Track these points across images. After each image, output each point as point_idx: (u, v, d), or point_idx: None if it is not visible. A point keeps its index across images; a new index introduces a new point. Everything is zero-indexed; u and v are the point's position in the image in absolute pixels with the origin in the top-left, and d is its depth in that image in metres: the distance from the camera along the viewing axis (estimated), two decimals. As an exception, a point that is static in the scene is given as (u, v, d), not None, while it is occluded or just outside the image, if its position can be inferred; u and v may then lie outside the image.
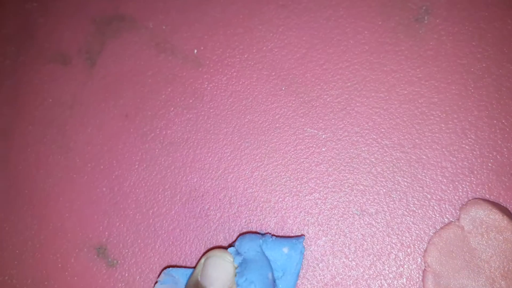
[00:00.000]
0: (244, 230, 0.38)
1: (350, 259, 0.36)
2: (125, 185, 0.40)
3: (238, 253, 0.35)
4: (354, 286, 0.36)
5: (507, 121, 0.36)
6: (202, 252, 0.38)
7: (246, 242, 0.35)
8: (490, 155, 0.36)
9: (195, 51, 0.41)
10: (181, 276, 0.36)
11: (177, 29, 0.42)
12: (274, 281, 0.34)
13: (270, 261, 0.35)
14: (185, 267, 0.37)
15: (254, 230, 0.38)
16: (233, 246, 0.35)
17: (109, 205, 0.40)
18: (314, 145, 0.39)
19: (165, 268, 0.37)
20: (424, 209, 0.36)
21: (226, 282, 0.33)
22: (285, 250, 0.35)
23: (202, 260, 0.34)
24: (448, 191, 0.36)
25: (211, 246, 0.38)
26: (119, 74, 0.42)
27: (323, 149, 0.38)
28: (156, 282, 0.36)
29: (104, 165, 0.41)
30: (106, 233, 0.40)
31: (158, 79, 0.42)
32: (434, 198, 0.36)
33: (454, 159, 0.37)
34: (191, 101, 0.41)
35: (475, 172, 0.36)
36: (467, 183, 0.36)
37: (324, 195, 0.38)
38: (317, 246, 0.37)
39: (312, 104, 0.39)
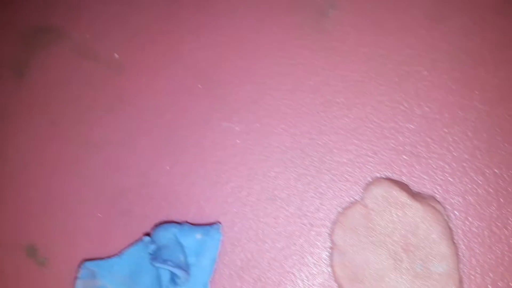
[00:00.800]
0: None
1: (264, 242, 0.38)
2: (53, 187, 0.42)
3: (152, 241, 0.36)
4: (269, 267, 0.38)
5: (407, 103, 0.39)
6: (125, 245, 0.39)
7: (160, 231, 0.37)
8: (392, 136, 0.38)
9: (116, 55, 0.43)
10: (99, 267, 0.38)
11: (100, 37, 0.45)
12: (187, 264, 0.35)
13: (184, 247, 0.37)
14: (101, 258, 0.39)
15: (175, 221, 0.39)
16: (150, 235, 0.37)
17: (38, 206, 0.42)
18: (230, 138, 0.41)
19: (81, 262, 0.38)
20: (332, 191, 0.38)
21: None
22: (198, 236, 0.37)
23: None
24: (354, 172, 0.38)
25: (135, 240, 0.39)
26: (46, 84, 0.44)
27: (238, 141, 0.40)
28: (76, 278, 0.38)
29: (33, 169, 0.43)
30: (35, 233, 0.41)
31: (82, 85, 0.44)
32: (341, 179, 0.38)
33: (358, 142, 0.39)
34: (113, 104, 0.43)
35: (378, 153, 0.38)
36: (371, 164, 0.38)
37: (240, 184, 0.40)
38: (234, 232, 0.39)
39: (227, 99, 0.41)
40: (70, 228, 0.40)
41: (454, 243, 0.34)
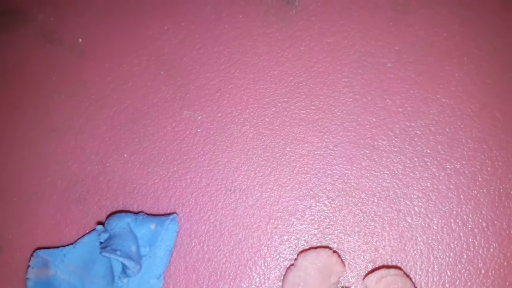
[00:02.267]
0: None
1: (221, 234, 0.37)
2: (9, 173, 0.41)
3: (105, 230, 0.35)
4: (225, 260, 0.37)
5: (370, 96, 0.38)
6: (80, 234, 0.38)
7: (114, 220, 0.36)
8: (353, 128, 0.38)
9: (80, 40, 0.42)
10: (51, 256, 0.37)
11: (64, 20, 0.43)
12: (139, 254, 0.34)
13: (138, 237, 0.36)
14: (54, 247, 0.38)
15: (130, 211, 0.38)
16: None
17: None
18: (190, 127, 0.40)
19: (34, 251, 0.37)
20: (291, 183, 0.37)
21: None
22: (152, 226, 0.36)
23: None
24: (314, 165, 0.37)
25: (90, 229, 0.38)
26: (8, 67, 0.43)
27: (198, 130, 0.40)
28: (28, 267, 0.37)
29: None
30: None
31: (45, 68, 0.43)
32: (301, 172, 0.37)
33: (319, 134, 0.38)
34: (74, 88, 0.42)
35: (339, 145, 0.37)
36: (331, 157, 0.37)
37: (199, 174, 0.39)
38: (191, 224, 0.38)
39: (189, 87, 0.40)
40: (25, 216, 0.40)
41: None
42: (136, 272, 0.34)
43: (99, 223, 0.37)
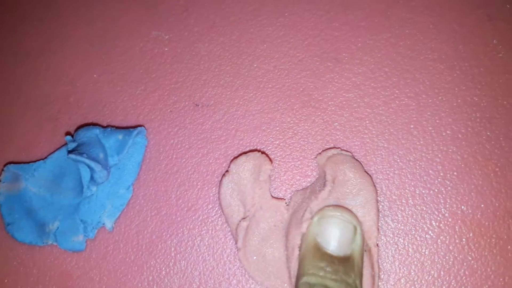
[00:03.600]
0: (91, 129, 0.39)
1: (189, 148, 0.38)
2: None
3: (73, 140, 0.36)
4: (193, 171, 0.38)
5: (333, 11, 0.39)
6: (51, 151, 0.39)
7: (82, 131, 0.37)
8: (316, 43, 0.40)
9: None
10: (22, 170, 0.37)
11: None
12: (106, 162, 0.35)
13: (106, 148, 0.36)
14: (27, 162, 0.38)
15: (100, 124, 0.39)
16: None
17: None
18: (158, 46, 0.41)
19: (5, 165, 0.38)
20: (258, 98, 0.38)
21: (349, 243, 0.30)
22: (120, 136, 0.37)
23: (315, 219, 0.31)
24: (279, 79, 0.38)
25: (60, 146, 0.39)
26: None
27: (166, 49, 0.40)
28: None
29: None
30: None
31: (14, -5, 0.43)
32: (267, 86, 0.39)
33: (285, 50, 0.39)
34: (46, 11, 0.42)
35: (303, 60, 0.38)
36: (296, 71, 0.38)
37: (167, 92, 0.40)
38: (159, 139, 0.39)
39: (157, 8, 0.41)
40: (-4, 136, 0.40)
41: (367, 174, 0.34)
42: (103, 178, 0.35)
43: (68, 133, 0.38)
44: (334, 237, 0.30)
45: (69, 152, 0.35)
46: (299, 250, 0.30)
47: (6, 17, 0.42)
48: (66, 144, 0.38)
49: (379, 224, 0.33)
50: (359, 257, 0.30)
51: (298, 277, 0.29)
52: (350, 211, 0.31)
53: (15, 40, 0.42)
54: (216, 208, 0.37)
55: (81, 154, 0.34)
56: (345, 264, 0.29)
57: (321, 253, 0.29)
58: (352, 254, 0.30)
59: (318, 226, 0.31)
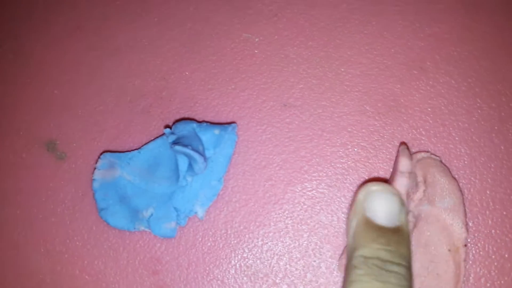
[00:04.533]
0: (183, 123, 0.42)
1: (276, 145, 0.40)
2: (75, 86, 0.44)
3: (172, 133, 0.39)
4: (279, 168, 0.40)
5: (419, 23, 0.41)
6: (143, 143, 0.41)
7: (181, 124, 0.39)
8: (403, 51, 0.41)
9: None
10: (118, 159, 0.40)
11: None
12: (204, 156, 0.38)
13: (203, 141, 0.39)
14: (121, 151, 0.41)
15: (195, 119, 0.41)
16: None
17: (59, 104, 0.44)
18: (249, 48, 0.43)
19: (101, 153, 0.41)
20: (344, 100, 0.41)
21: (397, 215, 0.30)
22: (216, 131, 0.39)
23: (361, 196, 0.31)
24: (365, 83, 0.41)
25: (154, 137, 0.41)
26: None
27: (256, 51, 0.43)
28: (95, 169, 0.40)
29: (57, 69, 0.45)
30: (56, 129, 0.43)
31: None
32: (353, 90, 0.41)
33: (371, 56, 0.41)
34: (138, 11, 0.45)
35: (390, 67, 0.40)
36: (383, 76, 0.41)
37: (256, 91, 0.42)
38: (248, 135, 0.41)
39: (247, 12, 0.43)
40: (90, 126, 0.43)
41: (454, 178, 0.36)
42: (202, 169, 0.37)
43: (167, 126, 0.40)
44: (381, 209, 0.30)
45: (173, 143, 0.37)
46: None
47: (95, 15, 0.45)
48: (161, 135, 0.40)
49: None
50: (408, 229, 0.30)
51: (352, 252, 0.30)
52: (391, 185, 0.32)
53: (107, 36, 0.44)
54: (302, 203, 0.38)
55: (185, 146, 0.36)
56: (397, 235, 0.30)
57: (371, 226, 0.30)
58: (401, 225, 0.30)
59: (365, 203, 0.31)
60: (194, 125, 0.39)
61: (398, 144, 0.39)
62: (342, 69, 0.41)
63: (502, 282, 0.35)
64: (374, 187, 0.31)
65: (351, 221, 0.31)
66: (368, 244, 0.29)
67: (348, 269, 0.29)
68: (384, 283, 0.27)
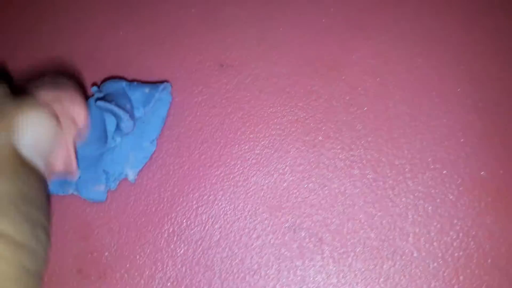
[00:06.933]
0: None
1: (213, 106, 0.39)
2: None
3: (99, 91, 0.37)
4: (216, 128, 0.39)
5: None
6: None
7: (109, 82, 0.37)
8: None
9: None
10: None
11: None
12: (133, 113, 0.36)
13: (132, 100, 0.37)
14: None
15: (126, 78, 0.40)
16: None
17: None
18: (184, 7, 0.41)
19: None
20: (283, 60, 0.39)
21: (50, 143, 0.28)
22: (146, 90, 0.37)
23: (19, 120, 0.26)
24: (304, 44, 0.39)
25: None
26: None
27: (192, 10, 0.41)
28: None
29: None
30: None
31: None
32: (293, 50, 0.39)
33: (311, 16, 0.40)
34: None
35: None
36: (322, 36, 0.39)
37: (192, 52, 0.41)
38: (183, 97, 0.39)
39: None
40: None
41: None
42: (130, 127, 0.35)
43: (94, 84, 0.38)
44: None
45: (97, 100, 0.35)
46: None
47: None
48: (91, 96, 0.38)
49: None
50: None
51: None
52: None
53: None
54: (239, 165, 0.37)
55: (109, 102, 0.34)
56: None
57: None
58: None
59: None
60: (124, 83, 0.37)
61: (337, 104, 0.37)
62: (281, 29, 0.39)
63: (441, 242, 0.34)
64: (26, 107, 0.28)
65: None
66: None
67: None
68: None
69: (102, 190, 0.36)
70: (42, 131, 0.28)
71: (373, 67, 0.38)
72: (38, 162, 0.27)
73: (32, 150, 0.27)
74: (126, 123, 0.35)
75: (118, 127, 0.35)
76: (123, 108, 0.34)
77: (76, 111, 0.30)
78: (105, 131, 0.36)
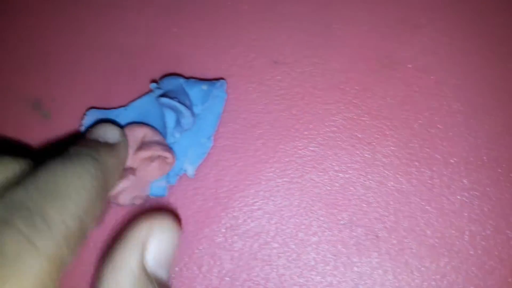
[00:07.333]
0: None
1: (267, 104, 0.39)
2: (59, 44, 0.42)
3: (159, 87, 0.37)
4: (270, 126, 0.39)
5: None
6: (130, 100, 0.40)
7: (168, 79, 0.38)
8: None
9: None
10: (104, 116, 0.38)
11: None
12: (192, 111, 0.36)
13: (190, 96, 0.38)
14: (107, 109, 0.39)
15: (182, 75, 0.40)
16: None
17: (43, 62, 0.42)
18: (238, 3, 0.41)
19: (87, 109, 0.39)
20: (336, 58, 0.39)
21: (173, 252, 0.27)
22: (204, 87, 0.38)
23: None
24: (358, 40, 0.39)
25: (141, 94, 0.40)
26: None
27: (246, 7, 0.41)
28: (81, 125, 0.39)
29: (39, 26, 0.43)
30: (40, 87, 0.42)
31: None
32: (346, 46, 0.39)
33: (365, 12, 0.40)
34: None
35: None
36: (376, 33, 0.39)
37: (246, 48, 0.41)
38: (238, 94, 0.40)
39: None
40: (75, 84, 0.41)
41: None
42: (190, 123, 0.36)
43: (153, 81, 0.39)
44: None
45: (159, 96, 0.35)
46: None
47: None
48: (148, 92, 0.39)
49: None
50: None
51: None
52: None
53: None
54: (294, 162, 0.38)
55: (172, 98, 0.35)
56: None
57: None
58: None
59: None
60: (181, 80, 0.38)
61: (390, 102, 0.38)
62: (335, 26, 0.39)
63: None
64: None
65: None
66: None
67: None
68: None
69: (163, 186, 0.37)
70: (167, 241, 0.26)
71: (428, 65, 0.38)
72: (163, 275, 0.25)
73: (156, 263, 0.25)
74: (188, 120, 0.35)
75: (177, 123, 0.36)
76: (185, 105, 0.35)
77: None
78: (164, 128, 0.37)
